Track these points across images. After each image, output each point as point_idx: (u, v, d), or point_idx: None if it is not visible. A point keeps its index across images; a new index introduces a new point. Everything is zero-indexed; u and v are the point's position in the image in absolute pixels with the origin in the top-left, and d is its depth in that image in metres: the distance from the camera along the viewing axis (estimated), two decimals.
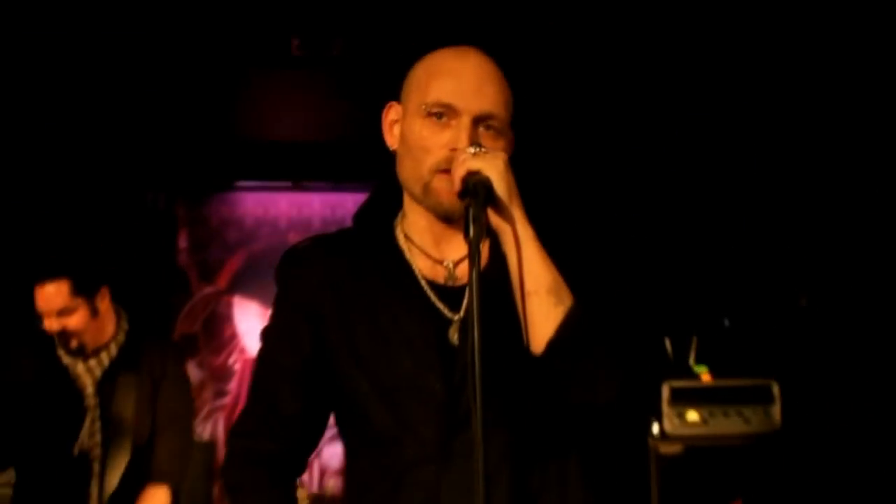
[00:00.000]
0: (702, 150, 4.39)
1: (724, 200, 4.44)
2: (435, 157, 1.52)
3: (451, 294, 1.52)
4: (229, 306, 5.21)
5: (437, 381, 1.52)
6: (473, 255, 1.35)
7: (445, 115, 1.52)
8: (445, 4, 3.69)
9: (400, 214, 1.64)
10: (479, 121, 1.52)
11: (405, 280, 1.57)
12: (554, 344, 1.46)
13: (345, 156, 4.87)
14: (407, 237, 1.61)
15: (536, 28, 3.83)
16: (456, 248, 1.51)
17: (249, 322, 5.19)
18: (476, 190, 1.41)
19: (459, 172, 1.44)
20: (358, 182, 4.96)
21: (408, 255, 1.59)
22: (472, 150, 1.47)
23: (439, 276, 1.57)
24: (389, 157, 1.61)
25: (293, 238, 5.17)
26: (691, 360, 3.87)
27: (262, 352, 1.63)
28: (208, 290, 5.21)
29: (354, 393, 1.55)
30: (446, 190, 1.50)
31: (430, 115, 1.52)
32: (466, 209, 1.38)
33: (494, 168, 1.45)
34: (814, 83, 3.97)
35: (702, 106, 4.21)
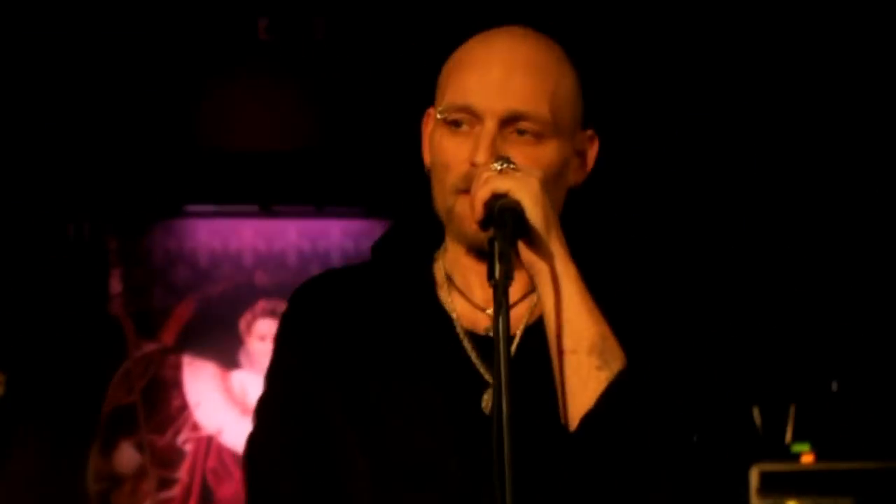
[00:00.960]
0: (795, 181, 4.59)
1: (834, 230, 4.56)
2: (454, 174, 1.55)
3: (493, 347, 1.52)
4: (177, 369, 5.20)
5: (455, 463, 1.54)
6: (499, 301, 1.38)
7: (466, 121, 1.55)
8: None
9: (442, 247, 1.68)
10: (507, 123, 1.54)
11: (438, 329, 1.60)
12: (591, 419, 1.47)
13: (329, 171, 4.90)
14: (449, 277, 1.65)
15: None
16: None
17: (204, 390, 5.18)
18: (502, 218, 1.43)
19: (480, 195, 1.47)
20: (345, 205, 4.99)
21: (445, 297, 1.63)
22: (497, 165, 1.50)
23: (481, 325, 1.60)
24: (422, 177, 1.66)
25: (261, 279, 5.23)
26: (788, 436, 3.89)
27: (256, 431, 1.66)
28: (149, 347, 5.21)
29: (347, 473, 1.58)
30: (468, 215, 1.53)
31: (448, 122, 1.56)
32: (490, 243, 1.41)
33: (527, 190, 1.47)
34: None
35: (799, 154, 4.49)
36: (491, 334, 1.54)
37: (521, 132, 1.54)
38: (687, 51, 4.38)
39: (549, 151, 1.56)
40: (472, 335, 1.60)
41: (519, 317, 1.59)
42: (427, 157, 1.63)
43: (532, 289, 1.57)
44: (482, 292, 1.59)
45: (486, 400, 1.56)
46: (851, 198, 4.52)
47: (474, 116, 1.54)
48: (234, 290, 5.20)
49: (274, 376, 1.66)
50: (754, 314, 4.29)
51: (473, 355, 1.59)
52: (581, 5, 4.00)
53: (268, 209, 5.19)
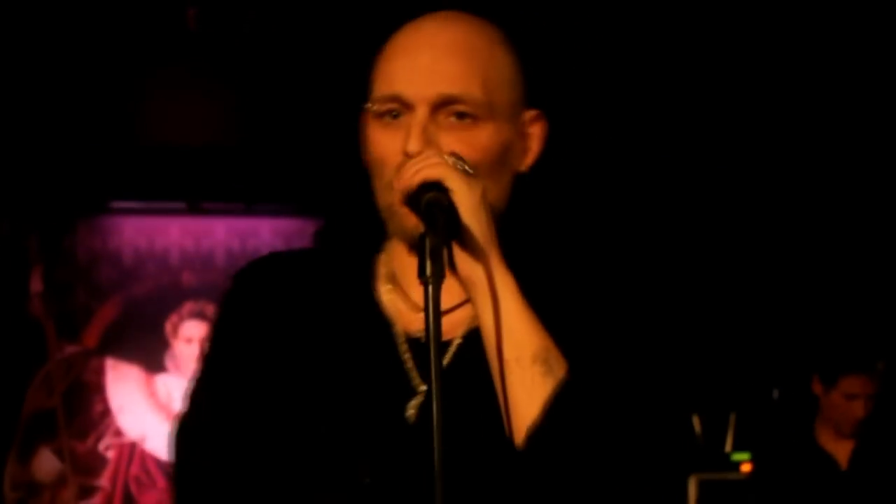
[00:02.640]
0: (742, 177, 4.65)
1: (772, 238, 4.62)
2: (389, 168, 1.52)
3: (428, 352, 1.48)
4: (100, 373, 5.16)
5: (367, 472, 1.51)
6: (432, 305, 1.36)
7: (397, 111, 1.52)
8: None
9: (386, 243, 1.64)
10: (439, 108, 1.50)
11: (373, 328, 1.58)
12: (539, 429, 1.44)
13: (259, 167, 4.88)
14: (390, 274, 1.62)
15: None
16: (445, 291, 1.43)
17: (127, 394, 5.15)
18: (431, 213, 1.41)
19: (406, 180, 1.45)
20: (277, 202, 4.98)
21: (384, 294, 1.60)
22: (448, 160, 1.47)
23: (417, 327, 1.55)
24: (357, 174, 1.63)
25: (189, 279, 5.20)
26: (728, 446, 3.85)
27: (186, 410, 1.63)
28: (71, 349, 5.17)
29: (267, 465, 1.56)
30: (408, 211, 1.49)
31: (380, 115, 1.53)
32: (421, 238, 1.39)
33: (462, 185, 1.45)
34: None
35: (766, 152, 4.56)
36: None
37: (455, 116, 1.50)
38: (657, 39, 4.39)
39: (485, 134, 1.51)
40: (408, 337, 1.56)
41: (458, 321, 1.55)
42: (364, 155, 1.58)
43: None
44: (420, 291, 1.49)
45: (412, 408, 1.52)
46: (793, 206, 4.58)
47: (404, 105, 1.51)
48: (160, 291, 5.19)
49: (209, 356, 1.63)
50: (694, 322, 4.29)
51: (406, 358, 1.55)
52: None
53: (195, 207, 5.17)
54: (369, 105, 1.54)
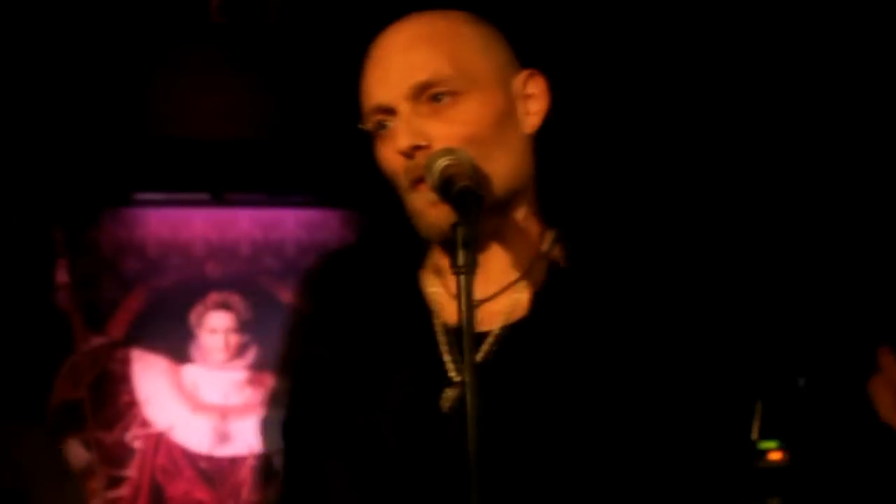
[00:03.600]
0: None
1: (796, 228, 4.63)
2: (402, 175, 1.54)
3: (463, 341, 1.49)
4: (126, 363, 5.16)
5: (402, 461, 1.54)
6: (464, 300, 1.36)
7: (386, 120, 1.55)
8: None
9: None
10: (416, 98, 1.51)
11: (416, 318, 1.60)
12: None
13: (283, 158, 4.86)
14: (436, 266, 1.63)
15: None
16: (482, 281, 1.46)
17: (154, 385, 5.14)
18: (464, 201, 1.41)
19: (435, 168, 1.47)
20: (300, 193, 4.97)
21: (429, 288, 1.63)
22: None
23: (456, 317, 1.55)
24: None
25: (213, 269, 5.20)
26: (755, 433, 3.85)
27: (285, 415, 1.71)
28: (97, 340, 5.17)
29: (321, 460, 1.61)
30: (424, 207, 1.52)
31: (374, 132, 1.56)
32: (453, 229, 1.39)
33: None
34: None
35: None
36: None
37: (435, 98, 1.51)
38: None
39: (472, 106, 1.52)
40: (448, 328, 1.57)
41: (496, 312, 1.55)
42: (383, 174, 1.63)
43: (515, 279, 1.55)
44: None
45: (447, 398, 1.53)
46: (816, 196, 4.56)
47: (387, 112, 1.53)
48: (185, 282, 5.17)
49: (286, 355, 1.71)
50: (720, 306, 4.27)
51: (444, 349, 1.57)
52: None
53: (219, 198, 5.16)
54: (364, 125, 1.57)
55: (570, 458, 1.48)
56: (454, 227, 1.39)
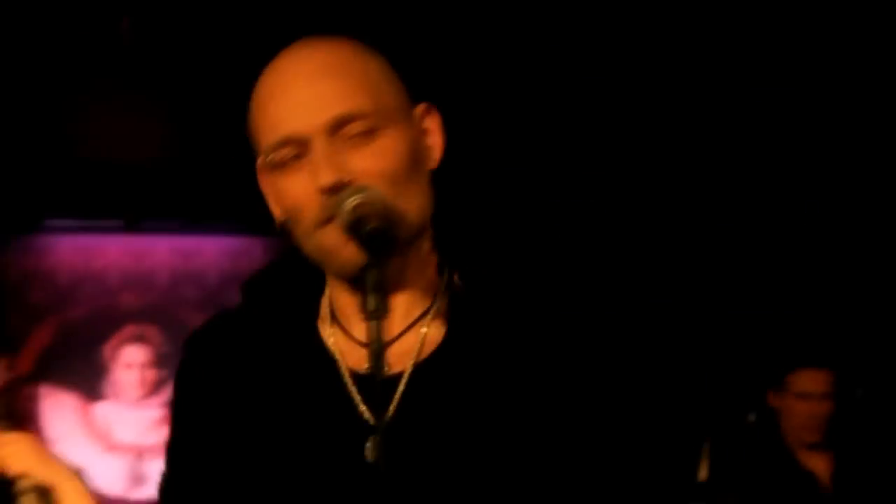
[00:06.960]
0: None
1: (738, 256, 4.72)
2: (310, 209, 1.51)
3: (378, 387, 1.52)
4: (33, 400, 5.13)
5: None
6: (375, 347, 1.37)
7: (298, 152, 1.51)
8: None
9: (328, 283, 1.66)
10: (335, 132, 1.50)
11: (319, 369, 1.60)
12: None
13: (201, 183, 4.87)
14: (332, 313, 1.63)
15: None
16: (388, 320, 1.46)
17: (63, 424, 5.11)
18: (373, 244, 1.42)
19: (345, 207, 1.47)
20: (221, 221, 4.96)
21: (328, 334, 1.62)
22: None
23: (364, 363, 1.56)
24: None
25: (128, 300, 5.16)
26: (703, 474, 3.82)
27: (165, 472, 1.67)
28: (3, 375, 5.09)
29: None
30: (337, 246, 1.49)
31: (278, 165, 1.53)
32: (362, 271, 1.41)
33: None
34: None
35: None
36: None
37: (354, 135, 1.50)
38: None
39: (390, 141, 1.52)
40: (356, 375, 1.57)
41: (405, 352, 1.56)
42: (277, 211, 1.59)
43: (420, 315, 1.57)
44: (362, 327, 1.51)
45: (370, 446, 1.52)
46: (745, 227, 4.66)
47: (300, 143, 1.49)
48: (98, 313, 5.14)
49: (173, 437, 1.66)
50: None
51: (357, 397, 1.56)
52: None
53: (135, 224, 5.14)
54: (265, 159, 1.53)
55: (501, 494, 1.49)
56: (364, 269, 1.40)
